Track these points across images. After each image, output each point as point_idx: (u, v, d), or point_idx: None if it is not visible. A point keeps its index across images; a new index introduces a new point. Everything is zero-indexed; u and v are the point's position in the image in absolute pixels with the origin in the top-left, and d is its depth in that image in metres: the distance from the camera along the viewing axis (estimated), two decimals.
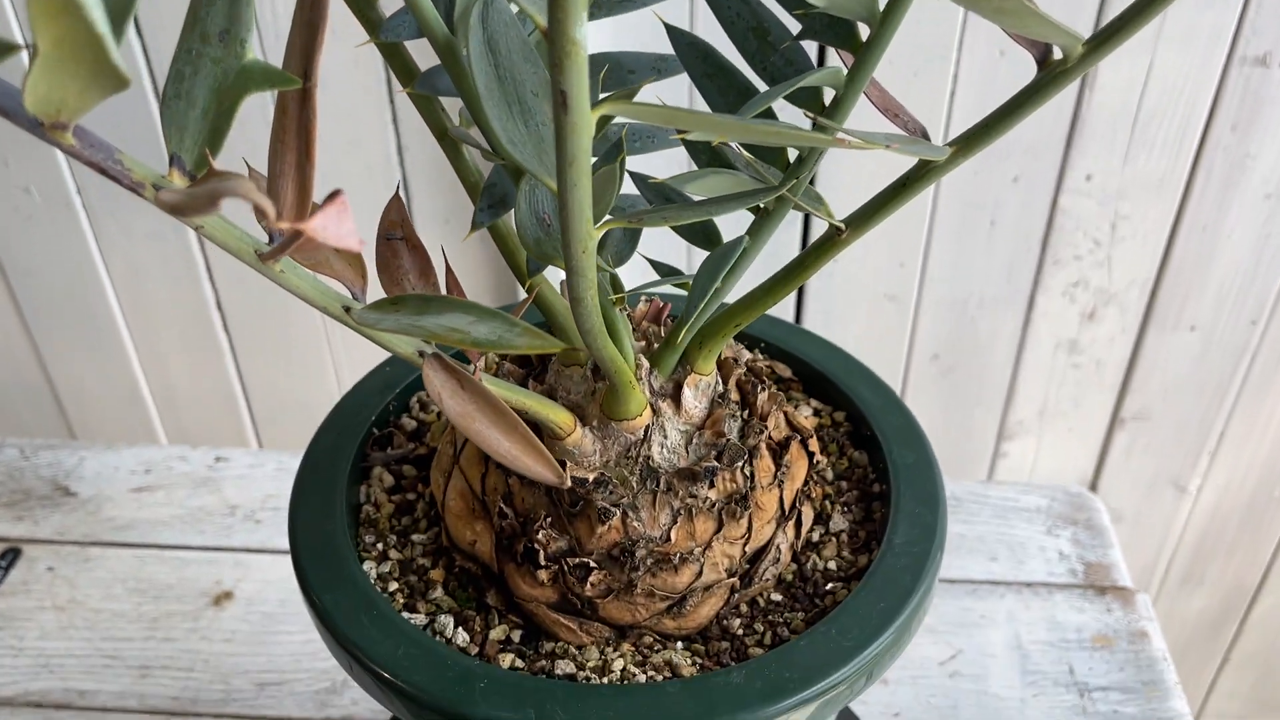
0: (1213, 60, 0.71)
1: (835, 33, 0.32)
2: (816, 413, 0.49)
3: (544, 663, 0.39)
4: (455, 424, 0.32)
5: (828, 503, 0.44)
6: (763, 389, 0.41)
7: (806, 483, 0.43)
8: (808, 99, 0.33)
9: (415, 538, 0.45)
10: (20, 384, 0.90)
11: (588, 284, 0.30)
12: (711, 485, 0.39)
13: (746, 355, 0.45)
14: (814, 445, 0.43)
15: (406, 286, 0.33)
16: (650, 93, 0.39)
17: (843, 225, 0.33)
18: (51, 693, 0.65)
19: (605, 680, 0.38)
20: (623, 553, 0.39)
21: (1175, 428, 0.88)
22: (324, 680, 0.66)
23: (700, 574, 0.39)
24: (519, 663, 0.40)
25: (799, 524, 0.42)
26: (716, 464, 0.38)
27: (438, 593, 0.42)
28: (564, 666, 0.39)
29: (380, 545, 0.44)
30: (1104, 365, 0.85)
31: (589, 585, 0.39)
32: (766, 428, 0.40)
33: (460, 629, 0.41)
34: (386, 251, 0.33)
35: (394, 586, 0.42)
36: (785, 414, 0.43)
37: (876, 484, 0.45)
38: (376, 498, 0.46)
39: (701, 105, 0.67)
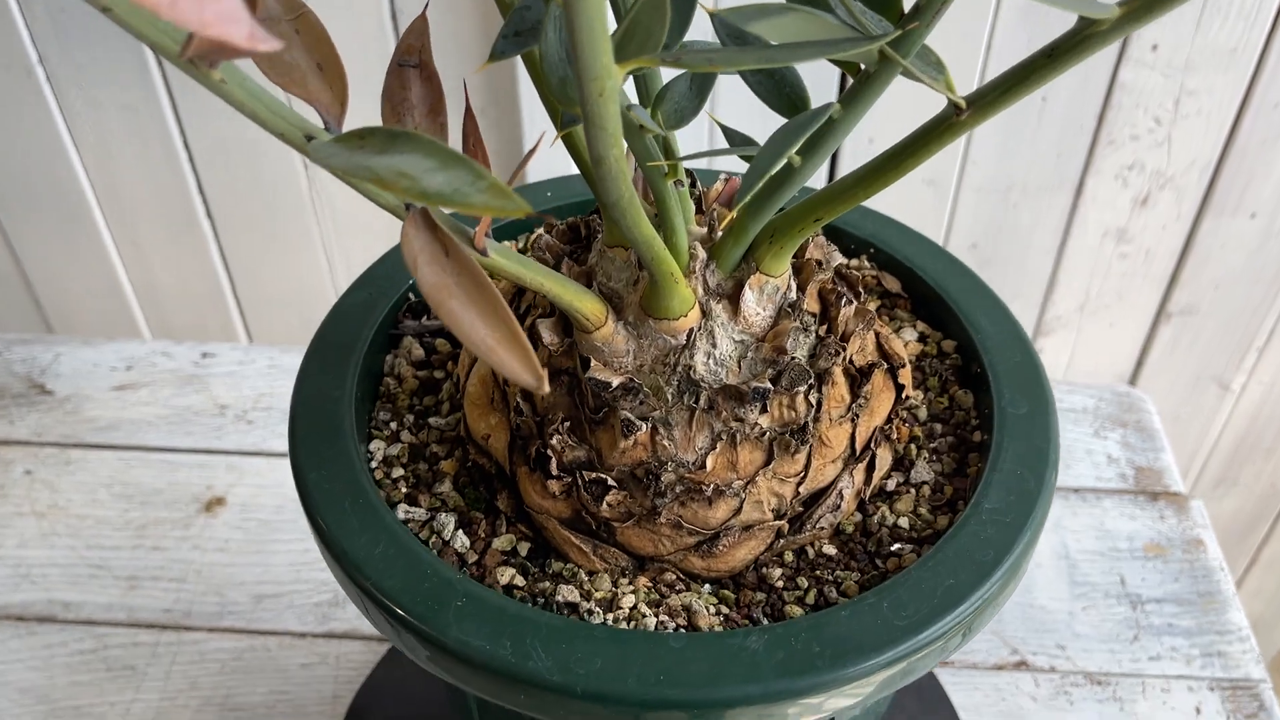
0: None
1: None
2: (923, 338, 0.42)
3: (546, 584, 0.35)
4: (427, 297, 0.27)
5: (914, 446, 0.38)
6: (849, 302, 0.34)
7: (890, 420, 0.37)
8: None
9: (434, 421, 0.40)
10: None
11: (609, 139, 0.24)
12: (764, 410, 0.33)
13: (840, 259, 0.38)
14: (905, 377, 0.37)
15: (409, 124, 0.27)
16: None
17: (964, 103, 0.27)
18: (34, 604, 0.61)
19: (610, 616, 0.33)
20: (648, 474, 0.33)
21: (1224, 322, 0.83)
22: (325, 592, 0.62)
23: (739, 511, 0.34)
24: (519, 580, 0.35)
25: (871, 468, 0.36)
26: (770, 386, 0.33)
27: (445, 486, 0.37)
28: (567, 593, 0.34)
29: (394, 424, 0.39)
30: (1153, 255, 0.80)
31: (605, 505, 0.34)
32: (845, 349, 0.34)
33: (461, 531, 0.36)
34: (395, 82, 0.27)
35: (398, 473, 0.38)
36: (877, 335, 0.37)
37: (979, 432, 0.38)
38: (401, 370, 0.41)
39: None
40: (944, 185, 0.76)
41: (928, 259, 0.42)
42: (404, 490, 0.37)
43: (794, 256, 0.34)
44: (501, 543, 0.36)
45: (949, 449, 0.38)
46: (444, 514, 0.36)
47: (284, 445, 0.69)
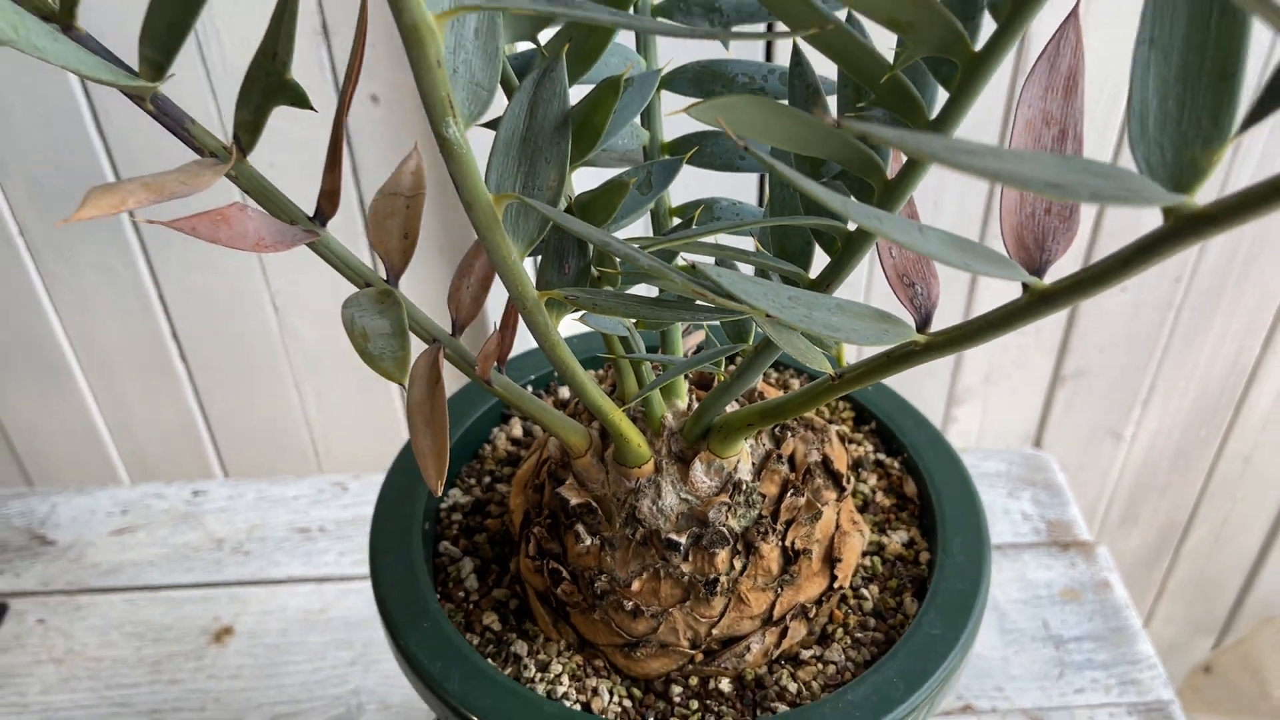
0: None
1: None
2: (910, 543, 0.47)
3: (510, 635, 0.43)
4: (408, 407, 0.36)
5: (842, 629, 0.43)
6: (797, 494, 0.41)
7: (820, 602, 0.42)
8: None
9: (500, 487, 0.50)
10: None
11: (548, 342, 0.34)
12: (686, 558, 0.39)
13: (837, 445, 0.43)
14: (843, 572, 0.42)
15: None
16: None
17: (835, 377, 0.33)
18: None
19: (539, 675, 0.42)
20: (590, 578, 0.41)
21: (1111, 382, 0.93)
22: (338, 707, 0.67)
23: (656, 630, 0.41)
24: (495, 624, 0.44)
25: (783, 635, 0.42)
26: (685, 542, 0.39)
27: (481, 538, 0.48)
28: (519, 648, 0.42)
29: (473, 480, 0.51)
30: (1042, 330, 0.90)
31: (560, 590, 0.42)
32: (784, 533, 0.40)
33: (474, 575, 0.46)
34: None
35: (457, 517, 0.48)
36: (839, 530, 0.42)
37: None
38: (498, 441, 0.52)
39: None
40: (856, 285, 0.86)
41: (947, 482, 0.47)
42: (454, 532, 0.47)
43: (777, 443, 0.41)
44: (499, 594, 0.45)
45: (872, 643, 0.43)
46: (470, 558, 0.46)
47: (282, 572, 0.75)
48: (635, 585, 0.40)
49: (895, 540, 0.47)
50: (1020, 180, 0.18)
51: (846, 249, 0.33)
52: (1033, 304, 0.27)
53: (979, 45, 0.28)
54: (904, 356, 0.31)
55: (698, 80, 0.40)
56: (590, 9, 0.24)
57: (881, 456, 0.50)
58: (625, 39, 0.42)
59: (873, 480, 0.49)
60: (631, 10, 0.37)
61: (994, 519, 0.77)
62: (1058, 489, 0.79)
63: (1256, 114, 0.21)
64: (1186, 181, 0.24)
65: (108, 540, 0.77)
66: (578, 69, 0.34)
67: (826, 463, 0.42)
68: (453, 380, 0.51)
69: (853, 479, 0.45)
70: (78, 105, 0.72)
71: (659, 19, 0.38)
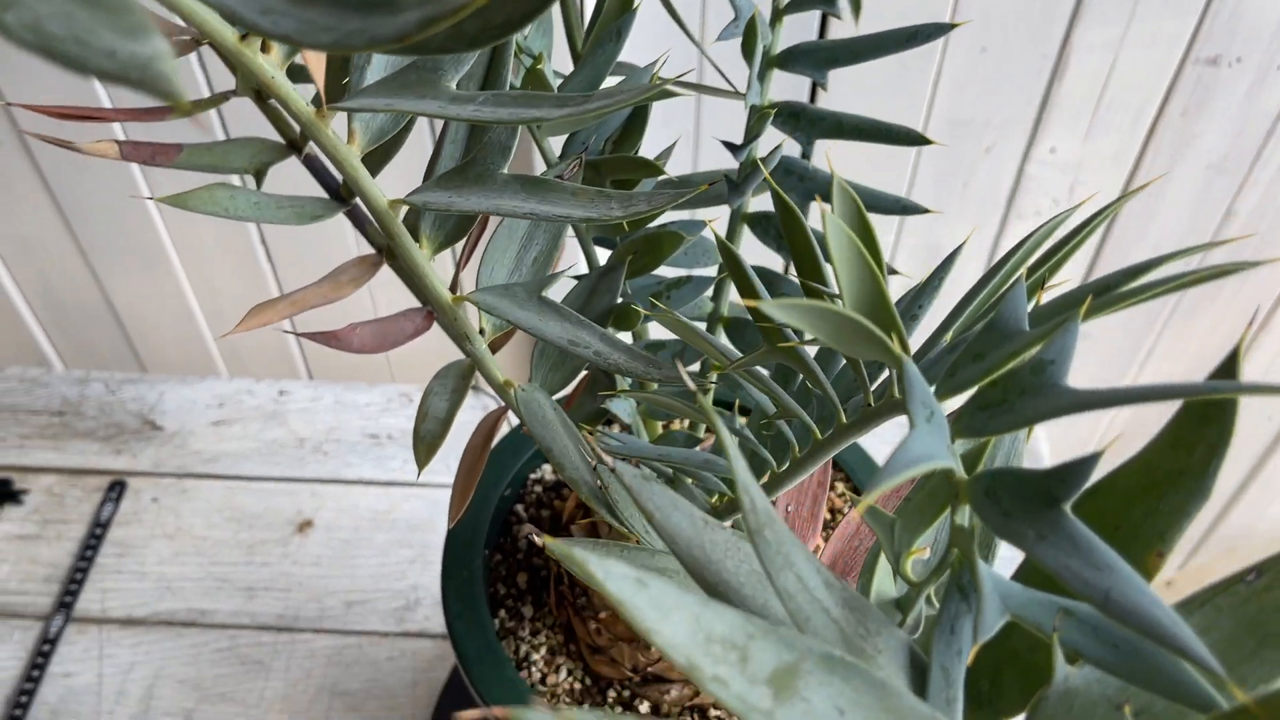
0: (1170, 59, 0.79)
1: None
2: None
3: (528, 597, 0.56)
4: (468, 445, 0.45)
5: None
6: None
7: None
8: None
9: (555, 504, 0.61)
10: (90, 317, 1.00)
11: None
12: None
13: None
14: None
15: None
16: None
17: None
18: (178, 612, 0.80)
19: (528, 639, 0.54)
20: (584, 589, 0.53)
21: (1111, 344, 1.01)
22: (400, 599, 0.81)
23: (610, 648, 0.52)
24: (522, 583, 0.56)
25: (697, 694, 0.53)
26: None
27: (546, 511, 0.59)
28: (526, 610, 0.55)
29: (536, 491, 0.61)
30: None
31: (563, 585, 0.54)
32: None
33: (528, 539, 0.58)
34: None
35: (538, 489, 0.60)
36: None
37: None
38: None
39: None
40: (884, 247, 0.93)
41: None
42: (531, 499, 0.59)
43: None
44: (538, 560, 0.58)
45: None
46: (530, 524, 0.59)
47: (355, 474, 0.87)
48: (603, 615, 0.52)
49: None
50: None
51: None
52: None
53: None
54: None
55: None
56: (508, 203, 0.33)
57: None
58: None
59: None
60: (759, 57, 0.43)
61: None
62: (1037, 456, 0.89)
63: None
64: None
65: (207, 430, 0.90)
66: (647, 263, 0.42)
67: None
68: None
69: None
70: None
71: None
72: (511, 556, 0.59)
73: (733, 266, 0.34)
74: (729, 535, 0.25)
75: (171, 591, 0.81)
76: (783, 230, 0.33)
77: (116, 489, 0.86)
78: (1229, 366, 0.22)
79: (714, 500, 0.41)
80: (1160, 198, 0.88)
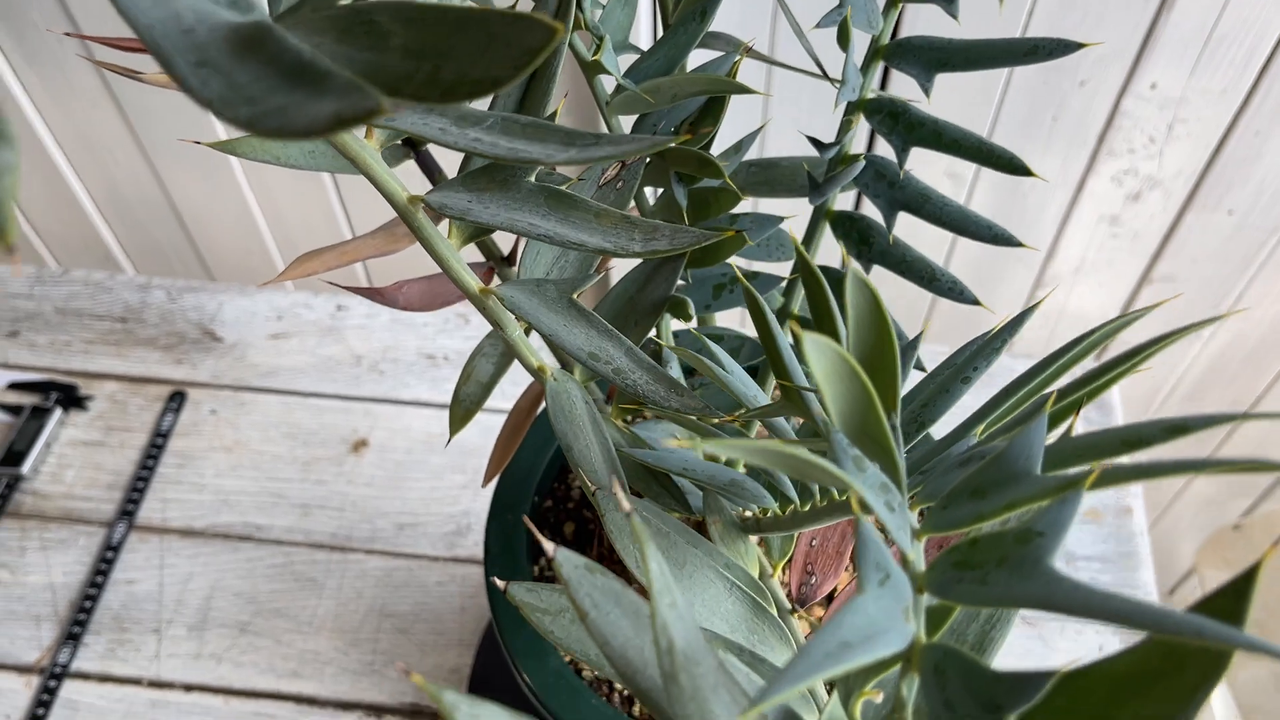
0: None
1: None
2: None
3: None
4: (513, 409, 0.45)
5: None
6: None
7: None
8: None
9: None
10: (159, 225, 0.99)
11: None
12: None
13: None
14: None
15: None
16: None
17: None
18: (234, 525, 0.81)
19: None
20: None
21: (1197, 289, 0.96)
22: (450, 524, 0.81)
23: None
24: (568, 532, 0.56)
25: None
26: None
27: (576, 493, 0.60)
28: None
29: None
30: (1140, 236, 0.92)
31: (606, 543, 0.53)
32: None
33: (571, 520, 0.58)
34: None
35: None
36: None
37: None
38: None
39: None
40: (963, 178, 0.89)
41: None
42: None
43: None
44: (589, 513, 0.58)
45: None
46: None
47: (410, 394, 0.87)
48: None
49: None
50: None
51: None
52: None
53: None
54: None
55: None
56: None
57: None
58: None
59: None
60: (862, 47, 0.40)
61: None
62: (1109, 408, 0.86)
63: None
64: None
65: (265, 343, 0.90)
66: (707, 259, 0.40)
67: None
68: None
69: None
70: None
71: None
72: (563, 504, 0.58)
73: (807, 276, 0.32)
74: None
75: (229, 505, 0.82)
76: (809, 303, 0.30)
77: (177, 399, 0.87)
78: (1231, 606, 0.18)
79: (743, 512, 0.39)
80: (1268, 139, 0.82)
